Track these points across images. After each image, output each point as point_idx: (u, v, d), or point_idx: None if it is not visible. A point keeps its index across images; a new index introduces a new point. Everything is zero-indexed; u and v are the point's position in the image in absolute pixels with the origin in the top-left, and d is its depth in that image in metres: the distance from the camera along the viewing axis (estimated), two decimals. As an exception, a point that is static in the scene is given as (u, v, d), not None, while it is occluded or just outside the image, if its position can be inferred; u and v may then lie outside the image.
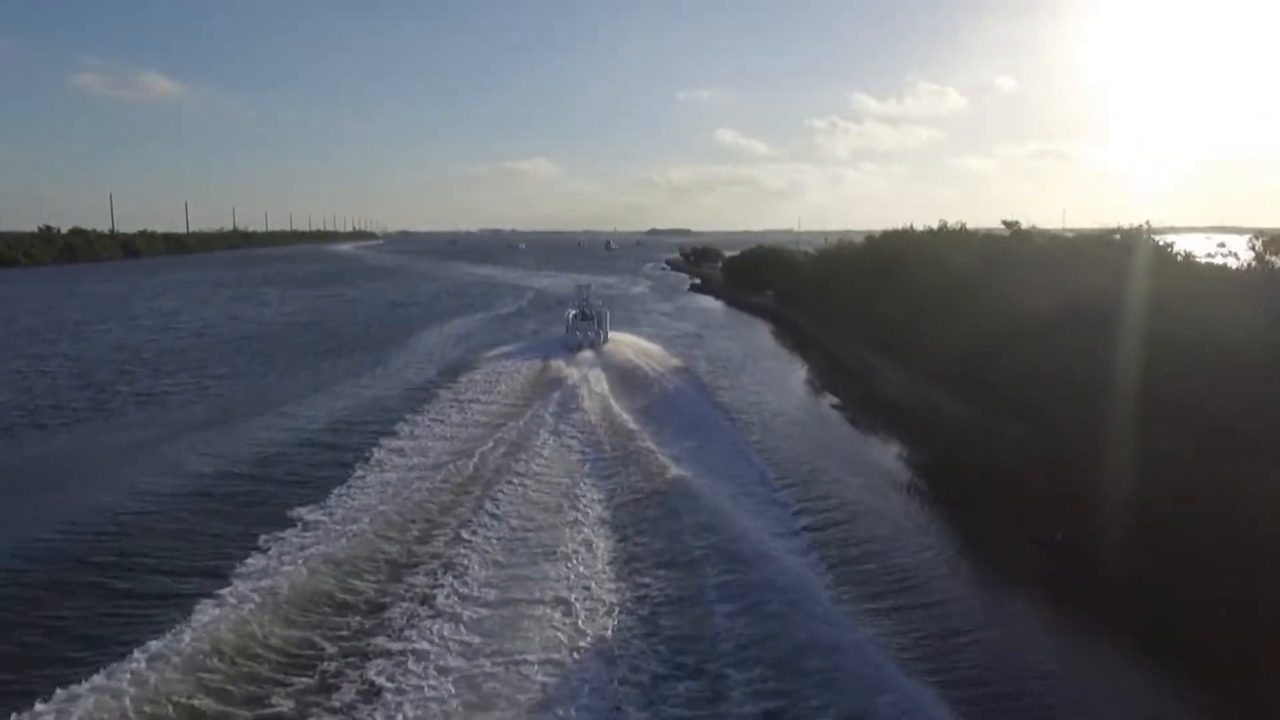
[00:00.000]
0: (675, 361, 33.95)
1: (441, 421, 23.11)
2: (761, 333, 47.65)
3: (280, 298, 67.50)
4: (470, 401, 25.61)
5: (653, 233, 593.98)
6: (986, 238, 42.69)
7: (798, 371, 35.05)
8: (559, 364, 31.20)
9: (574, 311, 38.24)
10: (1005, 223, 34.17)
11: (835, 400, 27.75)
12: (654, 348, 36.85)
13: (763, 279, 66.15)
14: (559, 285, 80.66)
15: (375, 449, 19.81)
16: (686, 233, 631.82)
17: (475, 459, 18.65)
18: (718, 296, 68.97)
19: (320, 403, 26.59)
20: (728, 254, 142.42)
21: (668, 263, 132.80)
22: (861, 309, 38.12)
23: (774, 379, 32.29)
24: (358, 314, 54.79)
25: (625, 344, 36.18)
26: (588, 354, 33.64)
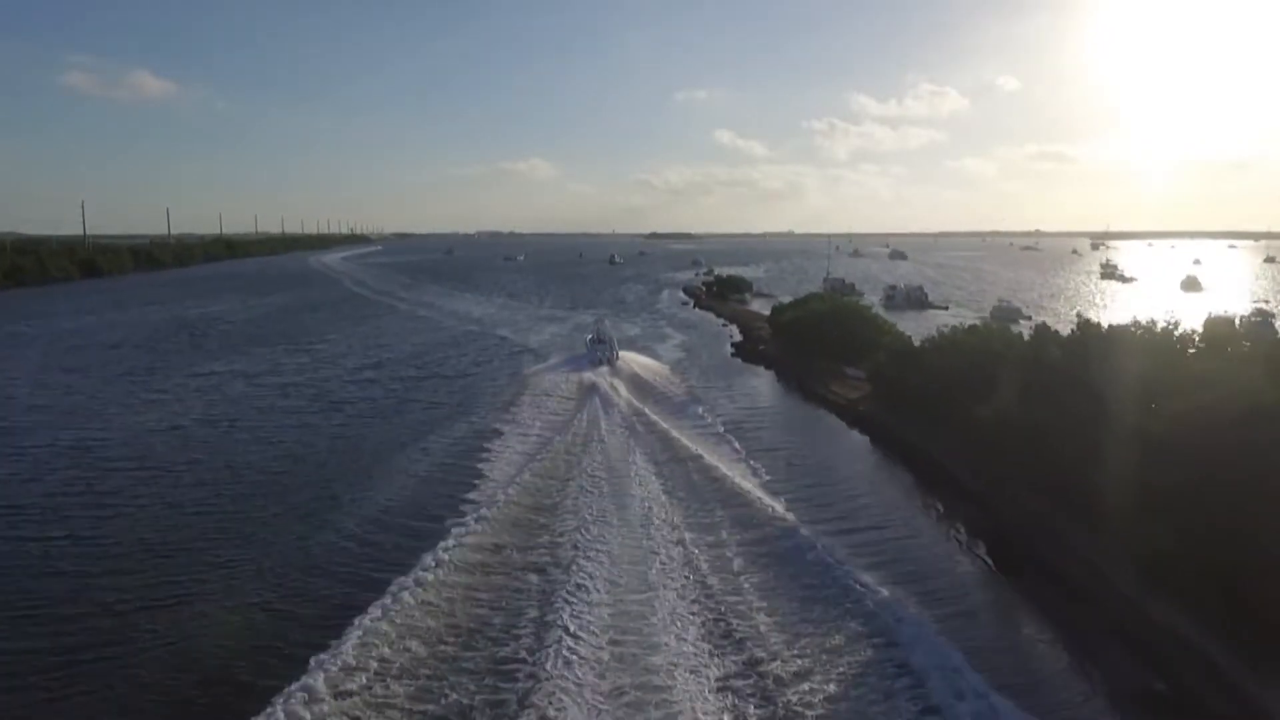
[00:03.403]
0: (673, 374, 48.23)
1: (534, 411, 38.42)
2: (909, 495, 29.84)
3: (186, 379, 49.37)
4: (547, 396, 41.22)
5: (653, 236, 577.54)
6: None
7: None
8: (589, 375, 45.25)
9: (591, 335, 52.66)
10: None
11: None
12: (653, 362, 51.37)
13: (843, 351, 48.59)
14: (566, 341, 62.90)
15: None
16: (687, 236, 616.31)
17: (571, 430, 33.71)
18: (778, 375, 51.05)
19: None
20: (752, 277, 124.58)
21: (686, 293, 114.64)
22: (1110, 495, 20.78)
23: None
24: (270, 430, 36.86)
25: (631, 360, 50.23)
26: (604, 368, 47.32)
